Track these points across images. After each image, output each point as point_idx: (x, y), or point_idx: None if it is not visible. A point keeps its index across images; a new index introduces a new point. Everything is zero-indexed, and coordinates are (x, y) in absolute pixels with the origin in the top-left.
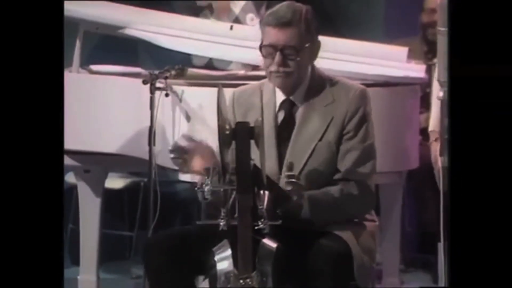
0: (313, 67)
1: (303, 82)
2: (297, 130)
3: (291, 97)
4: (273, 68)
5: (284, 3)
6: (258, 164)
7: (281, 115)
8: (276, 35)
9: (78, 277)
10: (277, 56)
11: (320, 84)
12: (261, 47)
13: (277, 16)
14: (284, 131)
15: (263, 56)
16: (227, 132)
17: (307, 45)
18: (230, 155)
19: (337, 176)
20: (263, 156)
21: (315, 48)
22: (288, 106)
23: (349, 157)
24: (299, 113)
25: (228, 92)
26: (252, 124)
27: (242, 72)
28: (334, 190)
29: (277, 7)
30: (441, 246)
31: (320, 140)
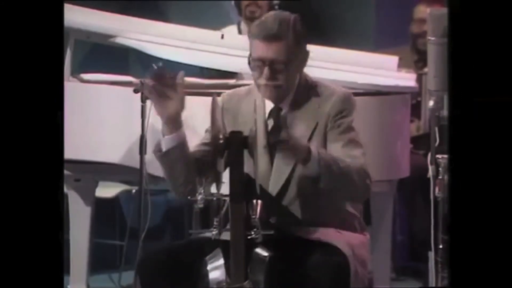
0: (301, 74)
1: (291, 91)
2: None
3: (279, 105)
4: (261, 81)
5: (271, 13)
6: (251, 173)
7: (270, 123)
8: (264, 49)
9: (68, 286)
10: (266, 70)
11: (306, 90)
12: (249, 60)
13: (264, 29)
14: (274, 139)
15: (251, 69)
16: (221, 142)
17: (295, 56)
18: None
19: None
20: (257, 166)
21: (304, 58)
22: (277, 114)
23: (335, 146)
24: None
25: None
26: (246, 133)
27: (233, 81)
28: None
29: (264, 18)
30: (432, 254)
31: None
